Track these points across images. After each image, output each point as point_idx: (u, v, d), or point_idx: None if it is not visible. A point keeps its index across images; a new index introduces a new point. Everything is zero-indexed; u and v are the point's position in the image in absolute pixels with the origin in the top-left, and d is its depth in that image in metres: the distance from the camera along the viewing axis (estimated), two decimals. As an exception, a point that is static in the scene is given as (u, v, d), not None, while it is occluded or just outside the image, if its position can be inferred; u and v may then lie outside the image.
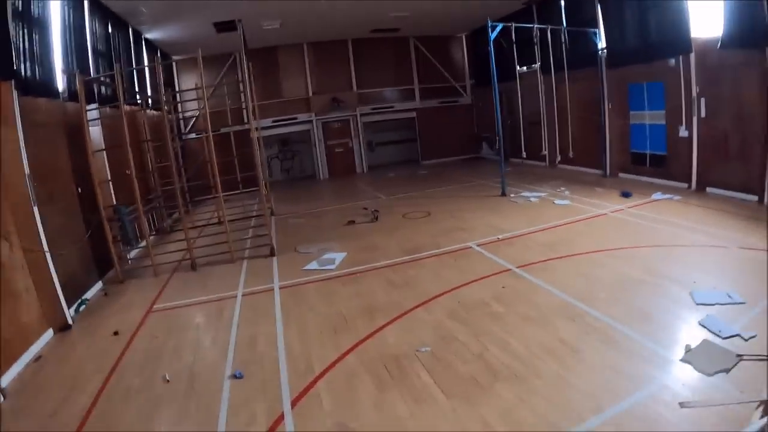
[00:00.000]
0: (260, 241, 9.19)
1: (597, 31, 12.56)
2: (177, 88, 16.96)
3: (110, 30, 10.98)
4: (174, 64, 16.87)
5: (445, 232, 8.80)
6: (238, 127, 16.80)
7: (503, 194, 11.56)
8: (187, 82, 16.67)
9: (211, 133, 8.87)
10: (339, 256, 7.97)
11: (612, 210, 9.19)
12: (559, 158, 14.68)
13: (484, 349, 4.63)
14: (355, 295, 6.33)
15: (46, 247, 6.69)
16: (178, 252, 8.84)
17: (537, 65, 12.16)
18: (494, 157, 18.62)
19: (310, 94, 18.90)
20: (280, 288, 6.99)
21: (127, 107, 11.43)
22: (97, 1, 10.21)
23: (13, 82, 6.56)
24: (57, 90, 8.18)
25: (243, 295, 6.89)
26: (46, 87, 7.78)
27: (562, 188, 11.71)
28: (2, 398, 4.84)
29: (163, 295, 7.42)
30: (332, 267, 7.49)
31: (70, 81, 8.52)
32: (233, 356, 5.09)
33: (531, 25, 12.31)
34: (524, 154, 13.05)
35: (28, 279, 6.42)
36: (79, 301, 7.46)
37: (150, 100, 13.28)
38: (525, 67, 11.97)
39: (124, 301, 7.36)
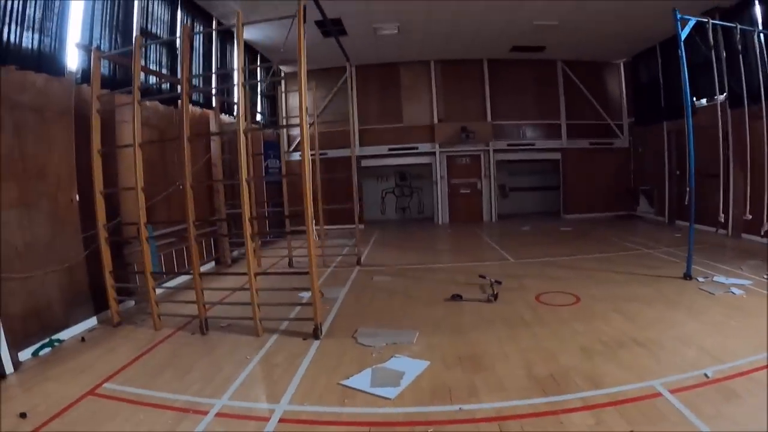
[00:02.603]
0: (308, 311, 5.99)
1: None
2: (284, 103, 15.07)
3: (184, 17, 9.34)
4: (283, 75, 14.86)
5: (608, 347, 4.80)
6: (344, 152, 14.66)
7: (687, 276, 7.30)
8: (296, 96, 14.66)
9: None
10: (413, 369, 4.41)
11: None
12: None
13: None
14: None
15: None
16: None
17: (723, 96, 7.99)
18: (654, 217, 14.48)
19: (436, 121, 15.93)
20: (280, 419, 3.65)
21: (197, 109, 9.83)
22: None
23: None
24: (62, 66, 6.06)
25: (217, 414, 3.77)
26: (42, 60, 5.72)
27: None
28: None
29: (132, 367, 4.89)
30: (390, 396, 3.95)
31: (88, 58, 6.38)
32: None
33: (734, 24, 8.08)
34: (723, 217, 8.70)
35: None
36: (47, 341, 5.55)
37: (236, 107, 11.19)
38: (704, 100, 7.87)
39: (87, 359, 5.15)
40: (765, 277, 7.06)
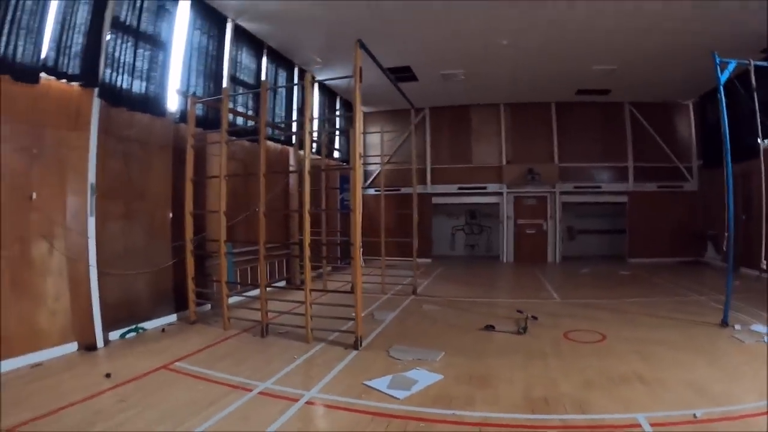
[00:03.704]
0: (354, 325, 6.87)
1: None
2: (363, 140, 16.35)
3: (268, 65, 10.93)
4: (362, 115, 16.18)
5: (611, 380, 5.12)
6: (409, 189, 15.55)
7: (724, 323, 7.27)
8: (373, 136, 15.91)
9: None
10: (426, 380, 5.12)
11: None
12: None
13: None
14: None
15: (93, 262, 6.21)
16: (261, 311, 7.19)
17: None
18: (721, 264, 13.70)
19: (504, 162, 16.53)
20: (306, 403, 4.57)
21: (273, 144, 11.15)
22: (248, 33, 10.03)
23: (96, 90, 6.29)
24: (164, 108, 7.66)
25: (259, 393, 4.81)
26: (148, 103, 7.30)
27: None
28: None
29: (200, 354, 6.17)
30: (399, 396, 4.69)
31: (185, 102, 7.95)
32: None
33: None
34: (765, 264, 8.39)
35: (65, 287, 6.11)
36: (133, 327, 7.04)
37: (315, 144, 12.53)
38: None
39: (164, 344, 6.57)
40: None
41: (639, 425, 4.06)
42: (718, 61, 7.22)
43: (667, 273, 13.39)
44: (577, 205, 16.92)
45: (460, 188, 16.85)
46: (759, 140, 7.77)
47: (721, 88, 7.30)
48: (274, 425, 4.04)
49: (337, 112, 15.10)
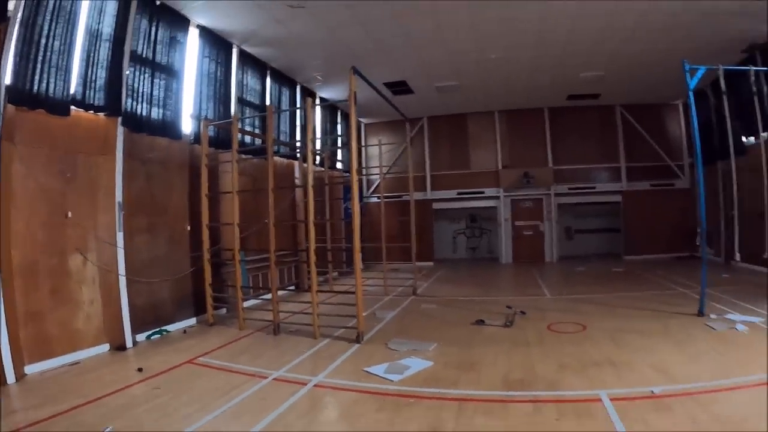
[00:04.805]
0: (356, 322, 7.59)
1: None
2: (364, 151, 17.08)
3: (272, 85, 11.76)
4: (363, 126, 16.96)
5: (583, 364, 5.76)
6: (417, 195, 16.19)
7: (701, 313, 7.80)
8: (375, 147, 16.61)
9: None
10: (418, 366, 5.83)
11: None
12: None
13: None
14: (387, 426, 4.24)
15: (122, 271, 7.02)
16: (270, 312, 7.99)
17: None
18: (713, 258, 14.24)
19: (500, 167, 17.21)
20: (314, 386, 5.34)
21: (279, 159, 11.85)
22: (252, 57, 10.85)
23: (120, 118, 7.08)
24: (180, 132, 8.39)
25: (273, 379, 5.60)
26: (166, 128, 8.04)
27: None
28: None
29: (219, 351, 6.94)
30: (394, 379, 5.41)
31: (198, 125, 8.70)
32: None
33: (747, 68, 8.57)
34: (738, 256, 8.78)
35: (97, 294, 6.88)
36: (158, 329, 7.80)
37: (318, 157, 13.22)
38: (752, 138, 8.19)
39: (186, 344, 7.33)
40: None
41: (600, 400, 4.68)
42: (687, 68, 7.78)
43: (660, 269, 13.91)
44: (574, 206, 17.55)
45: (459, 193, 17.54)
46: (731, 140, 8.38)
47: (691, 94, 7.89)
48: (287, 402, 4.80)
49: (338, 127, 15.84)
